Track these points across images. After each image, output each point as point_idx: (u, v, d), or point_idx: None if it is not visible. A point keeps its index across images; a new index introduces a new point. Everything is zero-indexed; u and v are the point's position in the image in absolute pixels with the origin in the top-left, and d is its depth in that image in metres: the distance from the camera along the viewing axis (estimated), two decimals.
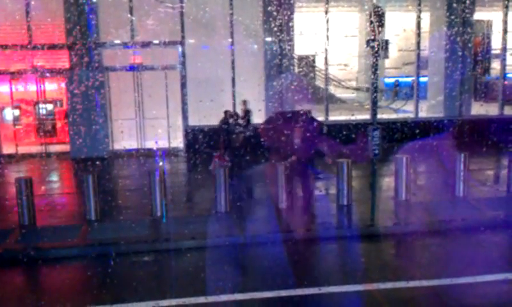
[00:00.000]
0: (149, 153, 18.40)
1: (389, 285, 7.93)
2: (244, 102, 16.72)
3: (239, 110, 16.76)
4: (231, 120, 15.66)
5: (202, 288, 7.97)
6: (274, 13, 18.28)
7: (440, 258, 9.16)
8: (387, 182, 13.30)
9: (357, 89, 25.62)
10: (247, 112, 16.47)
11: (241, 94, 18.45)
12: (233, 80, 18.70)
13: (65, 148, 18.92)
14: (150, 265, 9.31)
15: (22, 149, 18.88)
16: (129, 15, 17.94)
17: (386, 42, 12.29)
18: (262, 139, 12.49)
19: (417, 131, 18.69)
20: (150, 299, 7.67)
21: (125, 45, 18.26)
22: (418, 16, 19.79)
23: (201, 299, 7.63)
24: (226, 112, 15.90)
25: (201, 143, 18.01)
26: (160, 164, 17.35)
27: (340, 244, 10.02)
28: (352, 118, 19.09)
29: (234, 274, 8.59)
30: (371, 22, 11.15)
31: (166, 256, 9.52)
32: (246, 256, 9.44)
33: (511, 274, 8.29)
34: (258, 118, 18.31)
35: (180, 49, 18.38)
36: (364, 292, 7.81)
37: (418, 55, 20.05)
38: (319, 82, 22.46)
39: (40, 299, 8.07)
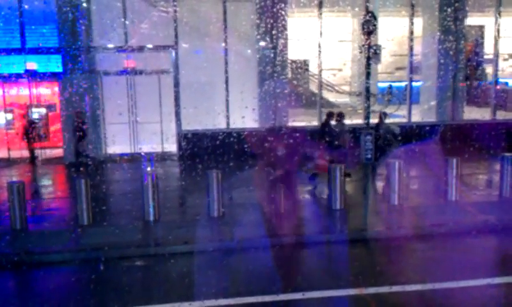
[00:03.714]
0: (142, 158, 18.37)
1: (371, 290, 7.94)
2: (78, 114, 17.28)
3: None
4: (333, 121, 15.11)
5: (188, 293, 7.97)
6: (268, 18, 18.31)
7: (429, 263, 9.17)
8: (380, 187, 13.31)
9: (350, 93, 25.66)
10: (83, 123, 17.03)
11: (234, 100, 18.47)
12: (226, 85, 18.70)
13: (59, 152, 18.86)
14: (139, 270, 9.26)
15: (15, 154, 18.79)
16: (123, 20, 17.93)
17: (379, 47, 12.39)
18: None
19: (410, 135, 18.73)
20: (134, 304, 7.69)
21: (118, 49, 18.24)
22: (411, 22, 19.87)
23: (185, 305, 7.61)
24: (329, 113, 15.55)
25: (195, 147, 18.00)
26: (153, 168, 17.32)
27: (332, 249, 10.04)
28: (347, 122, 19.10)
29: (221, 279, 8.62)
30: (364, 28, 11.23)
31: (157, 261, 9.50)
32: (236, 261, 9.44)
33: (501, 278, 8.33)
34: (252, 122, 18.40)
35: (173, 54, 18.37)
36: (351, 297, 7.82)
37: (411, 60, 20.13)
38: (313, 87, 22.50)
39: (27, 304, 8.04)
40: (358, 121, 19.90)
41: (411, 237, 10.16)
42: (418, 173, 15.16)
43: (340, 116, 14.74)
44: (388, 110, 22.58)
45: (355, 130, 15.82)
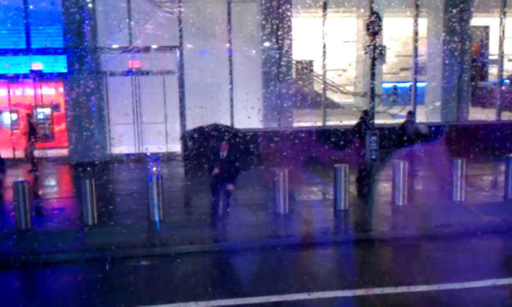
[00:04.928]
0: (147, 158, 18.40)
1: (377, 291, 7.94)
2: (29, 115, 17.11)
3: None
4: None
5: (193, 293, 7.99)
6: (273, 19, 18.33)
7: (433, 263, 9.17)
8: (384, 187, 13.31)
9: (355, 94, 25.65)
10: (31, 126, 16.81)
11: (239, 100, 18.48)
12: (231, 85, 18.72)
13: (64, 152, 18.90)
14: (144, 270, 9.28)
15: (20, 154, 18.82)
16: (128, 20, 17.97)
17: (384, 48, 12.38)
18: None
19: (415, 136, 18.67)
20: (140, 304, 7.72)
21: (123, 50, 18.28)
22: (416, 22, 19.86)
23: (191, 304, 7.63)
24: (365, 111, 15.37)
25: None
26: (158, 168, 17.35)
27: (339, 249, 10.08)
28: (352, 122, 19.05)
29: (224, 279, 8.66)
30: (368, 29, 11.24)
31: (163, 261, 9.53)
32: (239, 261, 9.47)
33: (506, 279, 8.31)
34: (257, 123, 18.41)
35: (178, 54, 18.40)
36: (355, 298, 7.83)
37: (416, 61, 20.11)
38: (317, 88, 22.49)
39: (33, 304, 8.07)
40: None
41: (419, 237, 10.18)
42: (423, 173, 15.14)
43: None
44: (393, 111, 22.61)
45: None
